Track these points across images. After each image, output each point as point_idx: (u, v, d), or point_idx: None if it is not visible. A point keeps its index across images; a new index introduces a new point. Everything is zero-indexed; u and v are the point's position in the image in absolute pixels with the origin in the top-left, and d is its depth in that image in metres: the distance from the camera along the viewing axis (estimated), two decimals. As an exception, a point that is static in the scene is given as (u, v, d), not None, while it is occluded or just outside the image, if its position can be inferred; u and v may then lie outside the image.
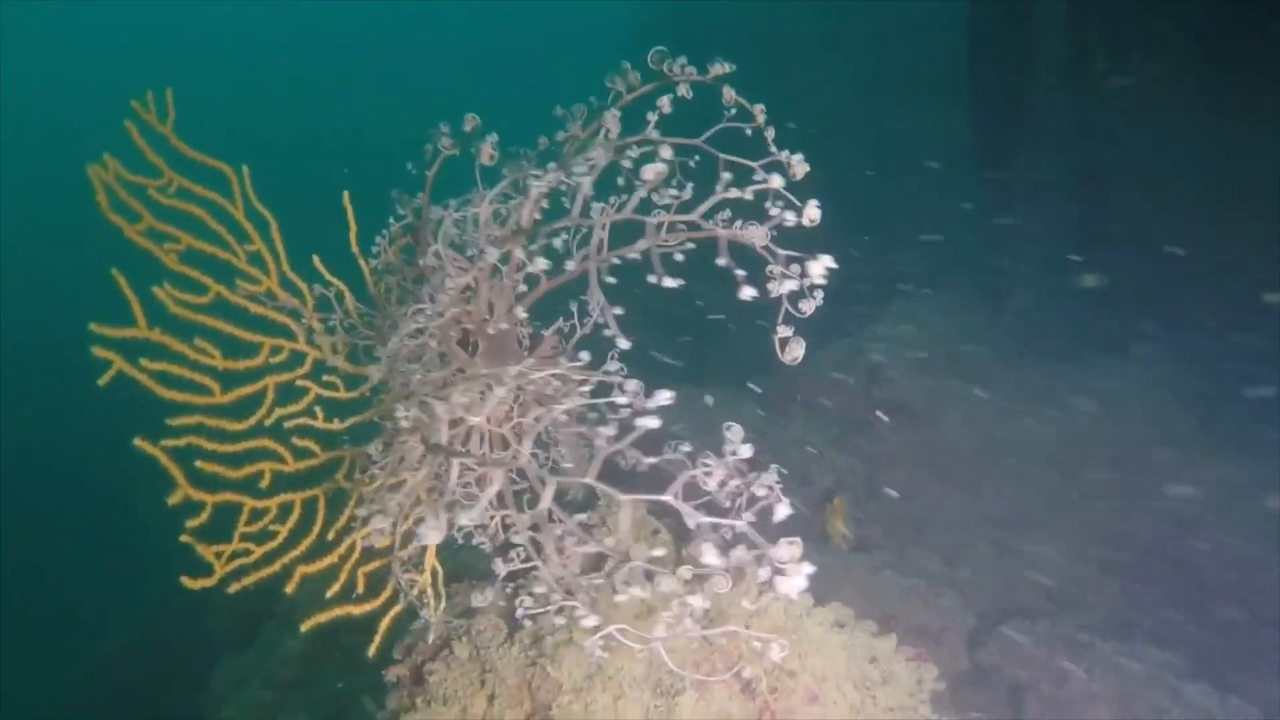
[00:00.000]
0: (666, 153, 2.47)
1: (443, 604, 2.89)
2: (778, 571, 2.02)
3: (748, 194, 2.30)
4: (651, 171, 2.41)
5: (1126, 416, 6.75)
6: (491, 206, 2.78)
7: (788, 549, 2.00)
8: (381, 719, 2.84)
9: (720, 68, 2.53)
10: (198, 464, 2.63)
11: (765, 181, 2.28)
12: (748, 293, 2.21)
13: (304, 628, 2.67)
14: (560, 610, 2.56)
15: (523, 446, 2.49)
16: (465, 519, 2.44)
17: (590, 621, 2.36)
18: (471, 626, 2.82)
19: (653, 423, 2.16)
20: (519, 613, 2.62)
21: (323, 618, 2.72)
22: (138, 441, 2.51)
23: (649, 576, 2.41)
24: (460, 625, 2.89)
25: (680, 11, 15.14)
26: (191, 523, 2.61)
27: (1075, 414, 6.70)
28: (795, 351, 2.20)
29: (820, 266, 2.15)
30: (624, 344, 2.54)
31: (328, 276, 2.97)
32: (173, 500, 2.57)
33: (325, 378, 2.92)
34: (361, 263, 3.01)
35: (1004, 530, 5.93)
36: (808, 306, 2.18)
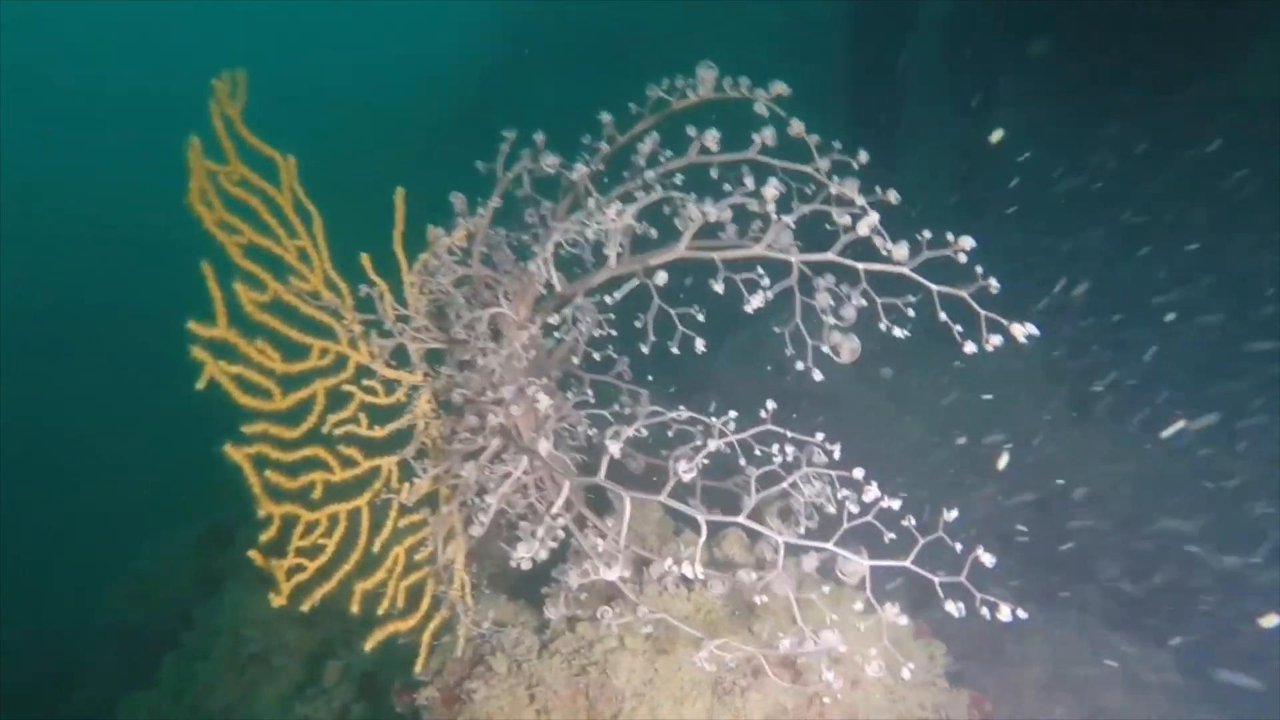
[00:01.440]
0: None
1: (468, 619, 2.90)
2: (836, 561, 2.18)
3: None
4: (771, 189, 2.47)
5: (1012, 399, 7.52)
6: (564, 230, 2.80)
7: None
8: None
9: (779, 88, 2.65)
10: (268, 475, 2.50)
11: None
12: (756, 303, 2.36)
13: (368, 646, 2.60)
14: (603, 617, 2.57)
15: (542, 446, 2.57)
16: (539, 538, 2.49)
17: (648, 628, 2.46)
18: (500, 640, 2.83)
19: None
20: (603, 620, 2.57)
21: (380, 635, 2.67)
22: (229, 449, 2.37)
23: (686, 580, 2.56)
24: (486, 640, 2.89)
25: (542, 14, 15.04)
26: (264, 537, 2.48)
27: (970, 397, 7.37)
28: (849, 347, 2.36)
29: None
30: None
31: (372, 276, 2.87)
32: (262, 513, 2.44)
33: (364, 381, 2.83)
34: (403, 263, 2.93)
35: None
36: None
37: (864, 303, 2.34)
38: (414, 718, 2.89)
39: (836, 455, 2.32)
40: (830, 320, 2.33)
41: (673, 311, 2.61)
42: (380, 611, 2.73)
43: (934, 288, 2.10)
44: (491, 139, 2.94)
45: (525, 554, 2.51)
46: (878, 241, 2.22)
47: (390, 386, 2.88)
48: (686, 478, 2.10)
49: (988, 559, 1.96)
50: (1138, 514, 6.47)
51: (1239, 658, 5.29)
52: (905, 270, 2.18)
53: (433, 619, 2.82)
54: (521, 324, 2.74)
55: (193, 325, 2.32)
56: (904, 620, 2.23)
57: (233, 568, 6.33)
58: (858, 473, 2.07)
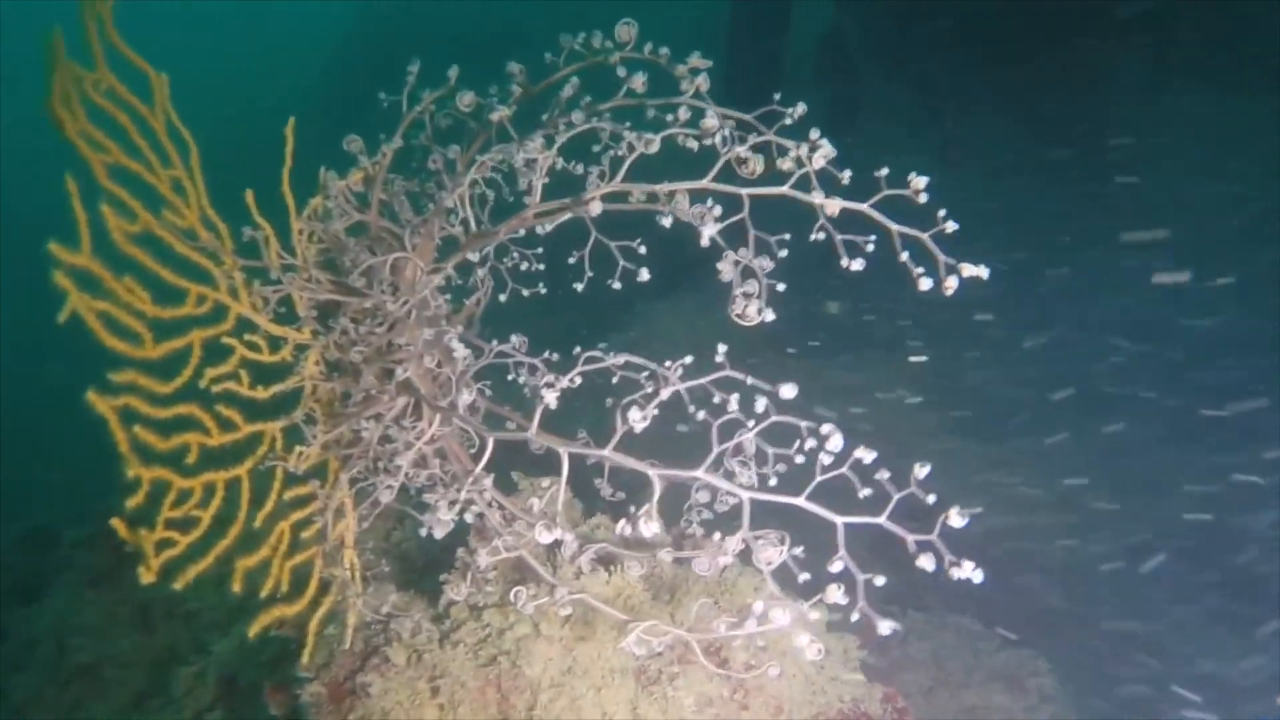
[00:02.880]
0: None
1: (357, 605, 2.58)
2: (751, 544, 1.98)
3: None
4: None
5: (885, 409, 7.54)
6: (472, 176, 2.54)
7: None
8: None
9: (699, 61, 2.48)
10: (136, 431, 2.15)
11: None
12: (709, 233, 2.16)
13: (251, 632, 2.27)
14: (517, 598, 2.28)
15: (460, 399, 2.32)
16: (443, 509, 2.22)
17: (566, 610, 2.22)
18: (396, 629, 2.53)
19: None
20: (517, 602, 2.27)
21: (265, 621, 2.34)
22: (93, 397, 2.02)
23: (605, 560, 2.35)
24: (378, 630, 2.59)
25: (392, 13, 14.54)
26: (131, 503, 2.13)
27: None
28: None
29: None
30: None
31: (257, 217, 2.55)
32: (131, 473, 2.09)
33: (247, 336, 2.50)
34: (292, 206, 2.61)
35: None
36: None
37: (771, 265, 2.16)
38: (294, 719, 2.56)
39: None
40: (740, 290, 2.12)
41: (612, 245, 2.37)
42: (263, 595, 2.39)
43: (894, 227, 1.94)
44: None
45: (445, 519, 2.23)
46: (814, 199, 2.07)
47: (275, 344, 2.56)
48: (639, 427, 1.86)
49: (958, 520, 1.78)
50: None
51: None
52: (865, 209, 2.01)
53: (320, 605, 2.50)
54: (430, 269, 2.46)
55: (54, 247, 1.95)
56: (816, 614, 2.04)
57: (56, 572, 5.72)
58: (826, 428, 1.87)
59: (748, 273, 2.09)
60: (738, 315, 2.07)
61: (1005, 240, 8.13)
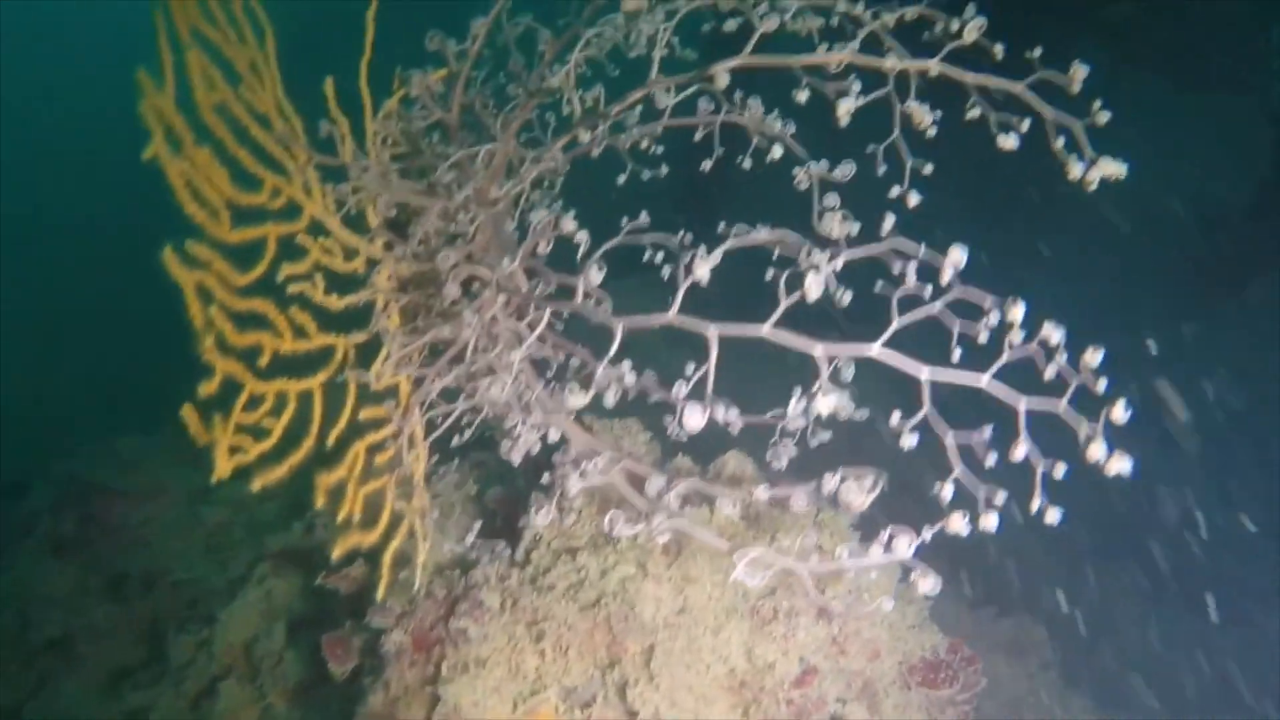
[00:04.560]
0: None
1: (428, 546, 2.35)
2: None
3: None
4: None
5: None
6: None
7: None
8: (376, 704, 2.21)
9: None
10: (213, 313, 1.91)
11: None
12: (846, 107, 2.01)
13: (336, 554, 2.03)
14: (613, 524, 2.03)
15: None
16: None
17: (664, 537, 2.00)
18: (479, 574, 2.30)
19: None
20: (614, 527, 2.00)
21: (346, 546, 2.10)
22: (169, 257, 1.77)
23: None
24: (456, 575, 2.35)
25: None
26: (205, 390, 1.88)
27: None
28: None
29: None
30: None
31: (335, 112, 2.32)
32: (206, 358, 1.84)
33: (321, 240, 2.26)
34: (368, 104, 2.39)
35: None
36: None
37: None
38: (360, 674, 2.30)
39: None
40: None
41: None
42: (340, 519, 2.14)
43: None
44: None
45: (528, 440, 2.02)
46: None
47: (349, 253, 2.32)
48: (813, 296, 1.63)
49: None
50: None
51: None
52: (1021, 89, 1.86)
53: (392, 539, 2.25)
54: (529, 158, 2.24)
55: (143, 76, 1.71)
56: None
57: (14, 534, 5.29)
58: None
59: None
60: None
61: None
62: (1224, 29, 7.74)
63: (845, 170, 2.03)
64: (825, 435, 1.98)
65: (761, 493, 1.97)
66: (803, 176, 2.05)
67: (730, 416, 1.75)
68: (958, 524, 1.59)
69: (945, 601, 5.08)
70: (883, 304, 1.68)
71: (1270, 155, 7.46)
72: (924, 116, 1.93)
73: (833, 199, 1.92)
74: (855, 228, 1.86)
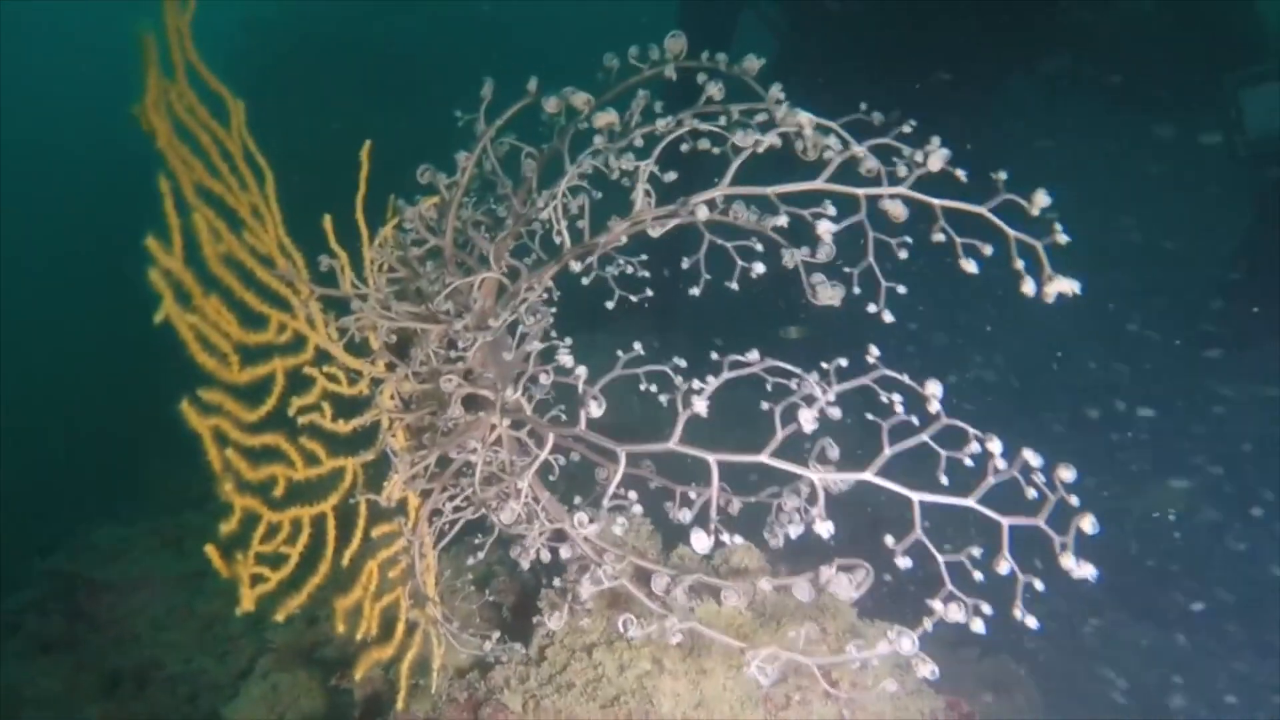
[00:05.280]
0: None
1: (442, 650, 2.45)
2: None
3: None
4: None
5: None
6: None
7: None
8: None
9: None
10: (228, 455, 2.02)
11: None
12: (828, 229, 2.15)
13: (358, 674, 2.13)
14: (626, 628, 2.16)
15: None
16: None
17: (676, 638, 2.14)
18: (498, 676, 2.40)
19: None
20: (627, 632, 2.14)
21: (367, 665, 2.20)
22: (187, 409, 1.88)
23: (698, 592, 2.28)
24: (474, 678, 2.45)
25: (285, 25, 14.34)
26: (225, 529, 1.98)
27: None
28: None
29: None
30: None
31: (334, 244, 2.44)
32: (225, 499, 1.95)
33: (326, 368, 2.38)
34: (365, 233, 2.51)
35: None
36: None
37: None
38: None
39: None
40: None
41: (729, 245, 2.31)
42: (359, 637, 2.24)
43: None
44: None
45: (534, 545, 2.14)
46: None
47: (353, 377, 2.44)
48: (809, 428, 1.80)
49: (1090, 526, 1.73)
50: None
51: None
52: (983, 211, 2.01)
53: (409, 648, 2.36)
54: (522, 286, 2.37)
55: (152, 243, 1.82)
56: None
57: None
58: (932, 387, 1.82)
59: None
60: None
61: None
62: (1172, 74, 7.95)
63: (826, 251, 2.18)
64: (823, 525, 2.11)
65: (766, 584, 2.11)
66: (788, 259, 2.21)
67: (733, 539, 1.88)
68: (955, 614, 1.75)
69: (930, 646, 5.23)
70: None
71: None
72: (900, 211, 2.06)
73: (820, 276, 2.08)
74: (841, 293, 2.03)
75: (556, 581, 2.39)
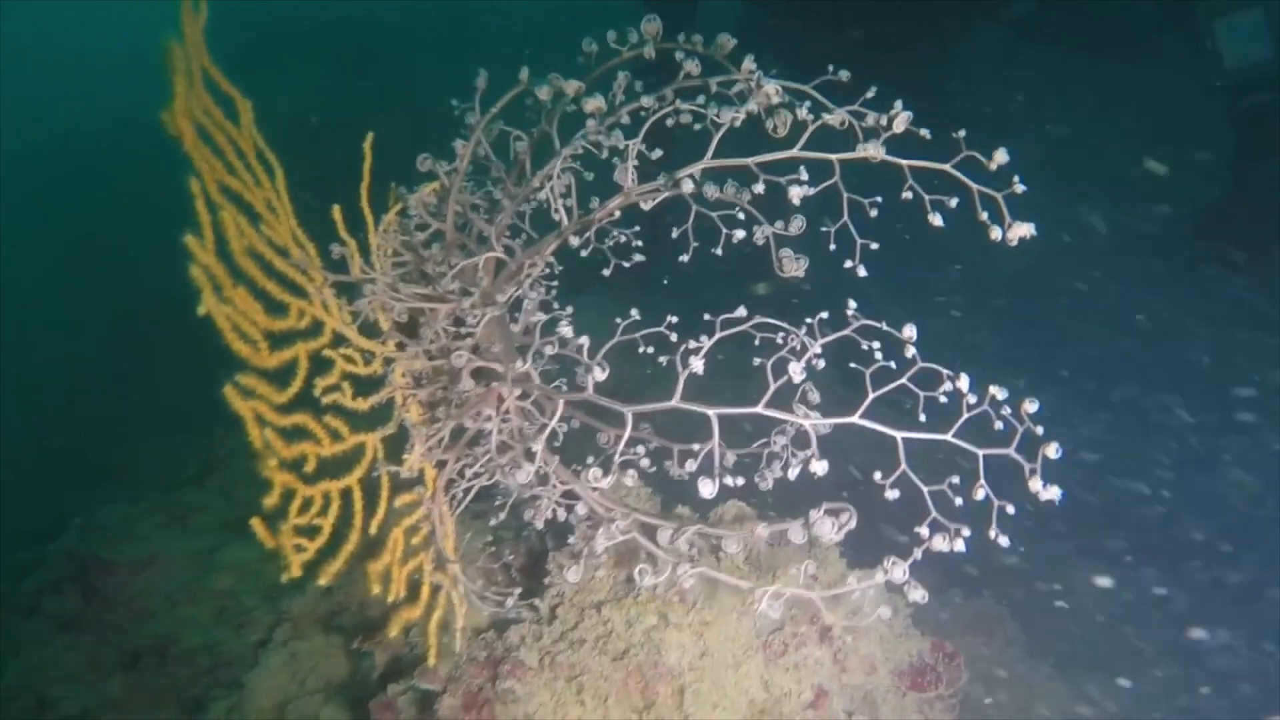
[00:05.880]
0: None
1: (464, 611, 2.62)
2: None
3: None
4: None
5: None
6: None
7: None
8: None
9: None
10: (266, 435, 2.17)
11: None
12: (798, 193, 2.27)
13: (392, 632, 2.30)
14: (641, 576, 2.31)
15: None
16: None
17: (689, 582, 2.31)
18: (514, 634, 2.58)
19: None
20: (642, 580, 2.30)
21: (398, 625, 2.37)
22: (230, 393, 2.04)
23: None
24: (491, 637, 2.62)
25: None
26: (269, 502, 2.14)
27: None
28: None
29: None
30: None
31: (344, 234, 2.58)
32: (267, 475, 2.11)
33: (343, 350, 2.53)
34: (370, 221, 2.65)
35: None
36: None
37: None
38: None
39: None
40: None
41: (714, 215, 2.48)
42: (390, 600, 2.41)
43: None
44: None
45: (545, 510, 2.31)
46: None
47: (367, 357, 2.59)
48: (798, 379, 1.98)
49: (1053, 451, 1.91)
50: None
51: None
52: (948, 168, 2.16)
53: (435, 609, 2.53)
54: (525, 262, 2.53)
55: (191, 241, 1.97)
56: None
57: (17, 617, 5.41)
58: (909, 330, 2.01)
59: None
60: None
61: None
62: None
63: (797, 225, 2.36)
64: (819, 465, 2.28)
65: (762, 531, 2.29)
66: (759, 234, 2.39)
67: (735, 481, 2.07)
68: (939, 544, 1.94)
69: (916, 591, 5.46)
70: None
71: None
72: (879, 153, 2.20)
73: (787, 250, 2.27)
74: (805, 263, 2.22)
75: (569, 540, 2.56)
